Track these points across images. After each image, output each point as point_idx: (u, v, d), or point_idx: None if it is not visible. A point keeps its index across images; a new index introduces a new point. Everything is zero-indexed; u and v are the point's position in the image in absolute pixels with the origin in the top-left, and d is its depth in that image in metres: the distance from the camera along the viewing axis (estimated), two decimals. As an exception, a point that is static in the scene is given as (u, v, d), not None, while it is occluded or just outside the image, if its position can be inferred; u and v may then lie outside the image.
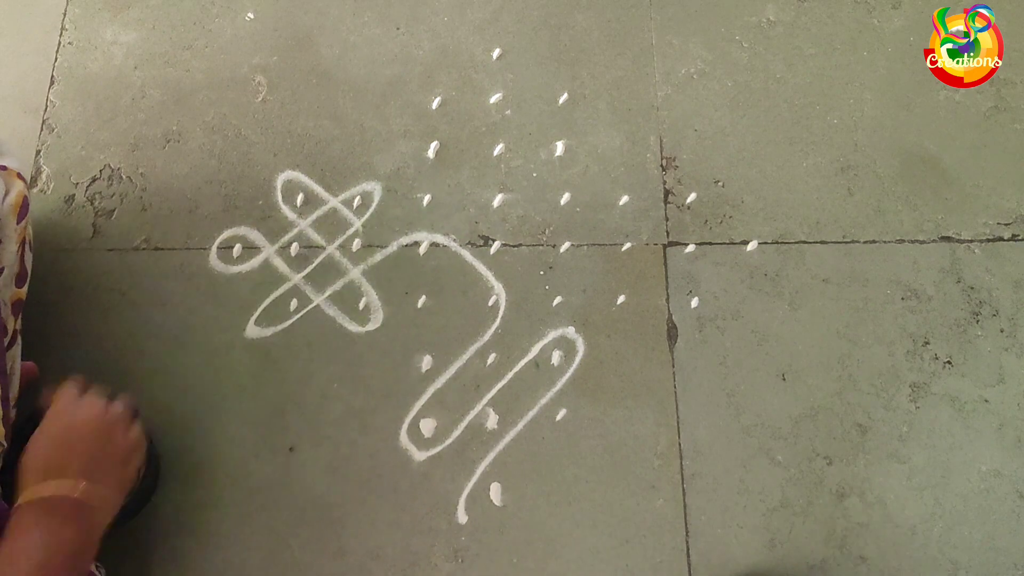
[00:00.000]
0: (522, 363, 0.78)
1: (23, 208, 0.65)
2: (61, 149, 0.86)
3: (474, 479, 0.74)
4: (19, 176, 0.65)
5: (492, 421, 0.75)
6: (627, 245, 0.82)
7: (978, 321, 0.79)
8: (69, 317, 0.79)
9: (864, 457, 0.74)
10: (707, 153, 0.85)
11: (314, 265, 0.81)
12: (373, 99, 0.88)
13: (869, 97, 0.87)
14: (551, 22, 0.91)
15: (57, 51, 0.91)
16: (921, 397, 0.76)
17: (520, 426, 0.75)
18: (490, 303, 0.80)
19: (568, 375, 0.77)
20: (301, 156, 0.85)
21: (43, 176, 0.85)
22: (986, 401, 0.76)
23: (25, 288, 0.69)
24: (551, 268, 0.81)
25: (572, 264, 0.81)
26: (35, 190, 0.84)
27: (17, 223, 0.64)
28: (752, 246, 0.81)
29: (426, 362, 0.77)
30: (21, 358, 0.72)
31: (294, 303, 0.79)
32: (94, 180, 0.85)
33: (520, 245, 0.82)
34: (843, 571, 0.71)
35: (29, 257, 0.69)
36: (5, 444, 0.63)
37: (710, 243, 0.82)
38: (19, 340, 0.68)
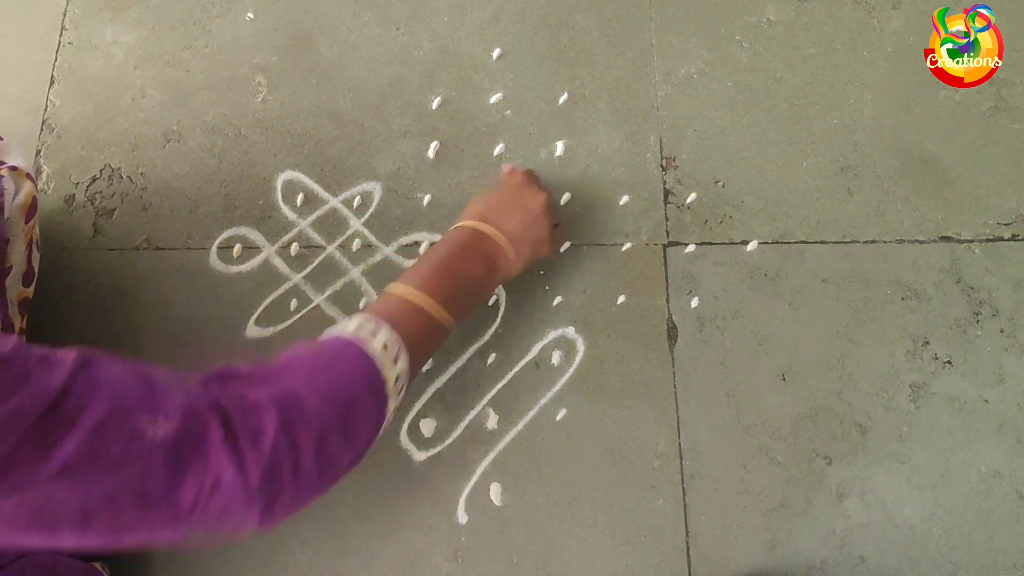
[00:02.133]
0: (522, 363, 0.78)
1: (32, 208, 0.66)
2: (61, 149, 0.86)
3: (474, 479, 0.74)
4: (28, 177, 0.66)
5: (492, 421, 0.75)
6: (627, 245, 0.82)
7: (978, 321, 0.79)
8: (70, 316, 0.79)
9: (864, 457, 0.74)
10: (707, 153, 0.85)
11: (314, 265, 0.81)
12: (373, 99, 0.88)
13: (869, 97, 0.87)
14: (551, 22, 0.91)
15: (57, 51, 0.91)
16: (921, 397, 0.76)
17: (520, 426, 0.75)
18: (490, 303, 0.80)
19: (568, 375, 0.77)
20: (301, 156, 0.85)
21: (43, 176, 0.85)
22: (986, 401, 0.76)
23: (32, 287, 0.70)
24: (551, 268, 0.81)
25: (572, 264, 0.81)
26: (35, 190, 0.84)
27: (26, 223, 0.66)
28: (752, 246, 0.81)
29: (426, 362, 0.77)
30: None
31: (294, 303, 0.79)
32: (94, 180, 0.85)
33: (520, 245, 0.82)
34: (843, 571, 0.71)
35: (36, 257, 0.70)
36: None
37: (710, 243, 0.82)
38: (24, 339, 0.68)
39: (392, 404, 0.55)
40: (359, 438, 0.52)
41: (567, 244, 0.81)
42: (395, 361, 0.55)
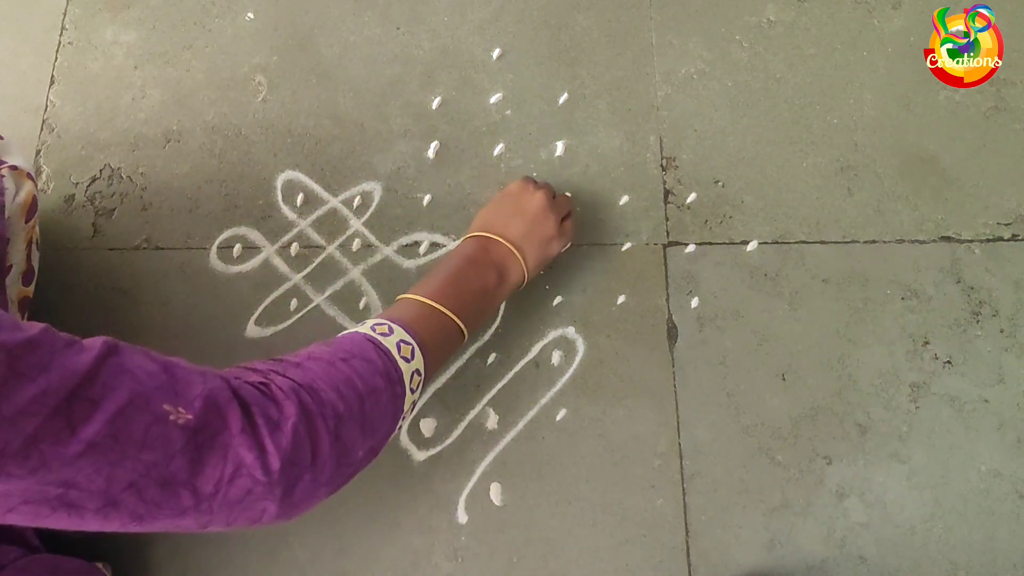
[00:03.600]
0: (522, 363, 0.78)
1: (32, 207, 0.67)
2: (61, 149, 0.86)
3: (474, 479, 0.74)
4: (29, 176, 0.66)
5: (492, 421, 0.75)
6: (627, 245, 0.82)
7: (978, 321, 0.79)
8: (70, 316, 0.79)
9: (864, 457, 0.74)
10: (707, 153, 0.85)
11: (314, 265, 0.81)
12: (373, 99, 0.88)
13: (869, 97, 0.87)
14: (551, 22, 0.91)
15: (57, 51, 0.91)
16: (921, 397, 0.76)
17: (520, 426, 0.75)
18: (490, 303, 0.80)
19: (568, 375, 0.77)
20: (301, 156, 0.85)
21: (43, 176, 0.85)
22: (986, 401, 0.76)
23: (32, 287, 0.70)
24: (551, 268, 0.81)
25: (572, 264, 0.81)
26: (35, 190, 0.84)
27: (26, 222, 0.66)
28: (752, 246, 0.81)
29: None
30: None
31: (294, 303, 0.79)
32: (94, 180, 0.85)
33: (520, 245, 0.82)
34: (843, 571, 0.71)
35: (36, 256, 0.70)
36: None
37: (710, 243, 0.82)
38: None
39: (409, 399, 0.56)
40: (376, 430, 0.53)
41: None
42: (410, 358, 0.56)
